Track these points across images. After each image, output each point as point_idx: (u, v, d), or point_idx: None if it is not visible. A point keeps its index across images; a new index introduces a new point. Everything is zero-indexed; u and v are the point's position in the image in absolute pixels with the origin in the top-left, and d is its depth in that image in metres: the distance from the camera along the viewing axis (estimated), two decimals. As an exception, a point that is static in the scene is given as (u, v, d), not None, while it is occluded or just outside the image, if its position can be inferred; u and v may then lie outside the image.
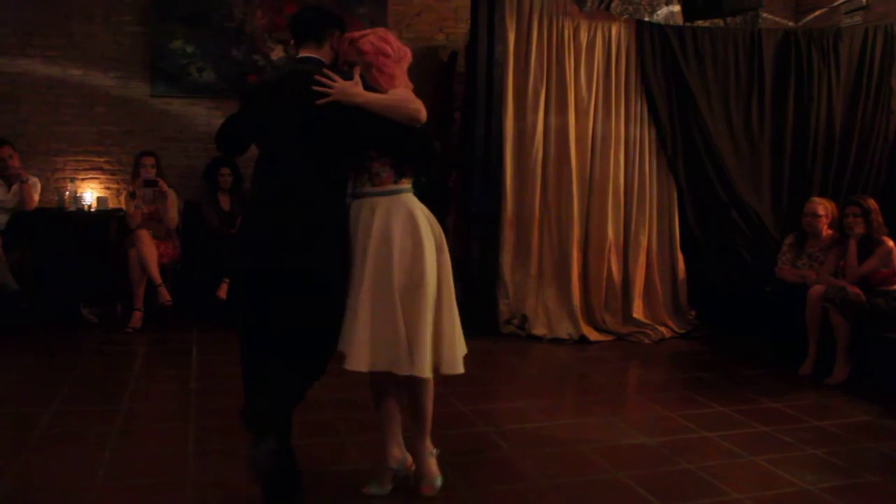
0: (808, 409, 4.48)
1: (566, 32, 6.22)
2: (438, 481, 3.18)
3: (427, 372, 2.93)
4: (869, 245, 5.24)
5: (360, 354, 2.88)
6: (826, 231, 5.63)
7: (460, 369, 3.04)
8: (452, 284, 3.09)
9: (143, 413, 4.15)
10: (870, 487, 3.40)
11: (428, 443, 3.19)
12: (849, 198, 5.70)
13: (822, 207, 5.66)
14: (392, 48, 3.06)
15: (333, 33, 3.07)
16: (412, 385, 3.07)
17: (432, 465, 3.19)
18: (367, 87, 2.89)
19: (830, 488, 3.33)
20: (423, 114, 2.92)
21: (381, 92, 2.94)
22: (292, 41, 3.16)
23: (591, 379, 5.27)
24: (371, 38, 3.04)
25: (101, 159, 6.95)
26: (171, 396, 4.52)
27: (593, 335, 6.13)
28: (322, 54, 3.04)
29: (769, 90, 6.49)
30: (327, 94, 2.83)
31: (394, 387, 3.12)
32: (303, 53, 3.05)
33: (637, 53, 6.35)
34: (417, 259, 2.95)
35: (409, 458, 3.19)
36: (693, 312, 6.46)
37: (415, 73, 7.77)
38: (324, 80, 2.84)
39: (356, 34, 3.08)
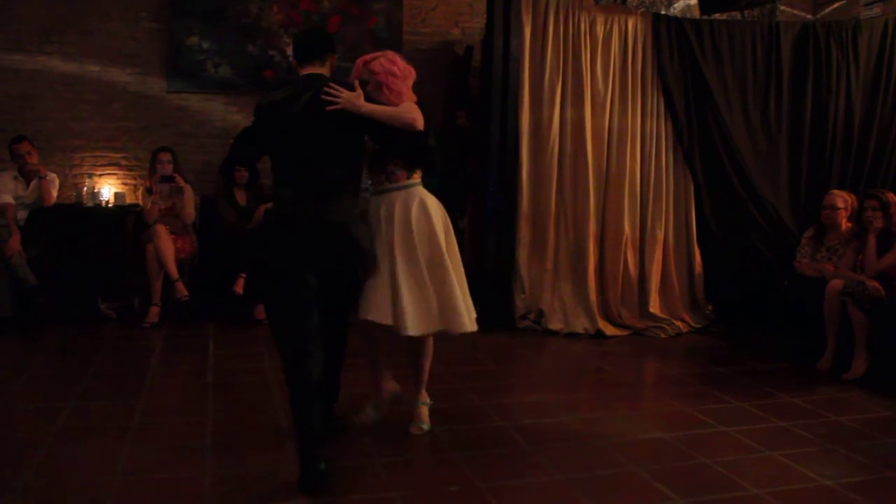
0: (826, 404, 4.45)
1: (582, 26, 6.20)
2: (426, 426, 3.80)
3: (469, 326, 3.58)
4: (888, 239, 5.20)
5: (408, 321, 3.44)
6: (845, 224, 5.59)
7: (475, 327, 3.63)
8: (460, 261, 3.68)
9: (160, 407, 4.16)
10: (890, 483, 3.37)
11: (423, 394, 3.84)
12: (867, 191, 5.65)
13: (842, 200, 5.61)
14: (399, 68, 3.53)
15: (333, 55, 3.52)
16: (415, 346, 3.71)
17: (424, 412, 3.84)
18: (370, 100, 3.33)
19: (850, 484, 3.31)
20: (420, 122, 3.34)
21: (392, 105, 3.39)
22: (293, 59, 3.55)
23: (608, 374, 5.26)
24: (381, 61, 3.54)
25: (119, 155, 6.99)
26: (188, 391, 4.55)
27: (609, 330, 6.11)
28: (325, 71, 3.46)
29: (787, 83, 6.44)
30: (335, 103, 3.26)
31: (382, 335, 3.68)
32: (309, 70, 3.43)
33: (654, 47, 6.32)
34: (432, 236, 3.56)
35: (397, 386, 3.85)
36: (710, 307, 6.44)
37: (430, 68, 7.83)
38: (332, 91, 3.26)
39: (368, 57, 3.59)
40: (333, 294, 3.41)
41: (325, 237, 3.30)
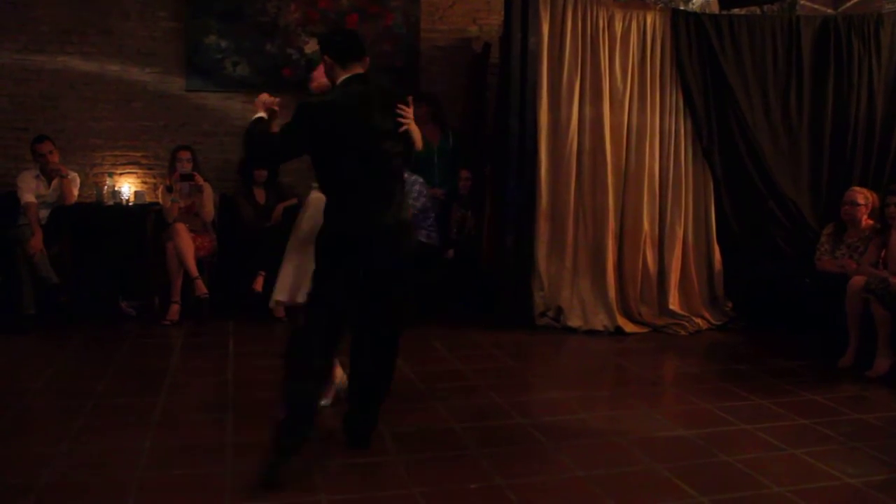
0: (848, 401, 4.42)
1: (600, 22, 6.17)
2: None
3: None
4: (911, 235, 5.15)
5: None
6: (866, 221, 5.54)
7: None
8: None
9: (181, 404, 4.19)
10: (914, 481, 3.34)
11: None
12: (890, 187, 5.60)
13: (862, 196, 5.56)
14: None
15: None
16: None
17: None
18: None
19: (874, 482, 3.28)
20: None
21: None
22: (330, 57, 3.45)
23: (627, 371, 5.24)
24: None
25: (138, 154, 7.04)
26: (208, 388, 4.57)
27: (629, 327, 6.09)
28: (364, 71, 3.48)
29: (808, 78, 6.37)
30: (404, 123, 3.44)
31: None
32: (357, 70, 3.43)
33: (672, 43, 6.28)
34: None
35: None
36: (730, 304, 6.39)
37: (448, 65, 7.80)
38: (404, 111, 3.42)
39: None
40: (383, 298, 3.46)
41: (397, 238, 3.41)
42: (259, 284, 6.10)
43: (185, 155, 6.36)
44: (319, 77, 3.67)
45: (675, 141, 6.34)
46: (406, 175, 6.32)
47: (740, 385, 4.69)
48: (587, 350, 5.69)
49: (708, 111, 6.31)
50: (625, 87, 6.22)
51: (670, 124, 6.32)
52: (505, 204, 6.22)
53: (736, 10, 6.73)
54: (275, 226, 6.36)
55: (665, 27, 6.29)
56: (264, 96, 3.52)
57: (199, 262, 6.20)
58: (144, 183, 7.01)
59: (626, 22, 6.23)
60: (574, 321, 6.09)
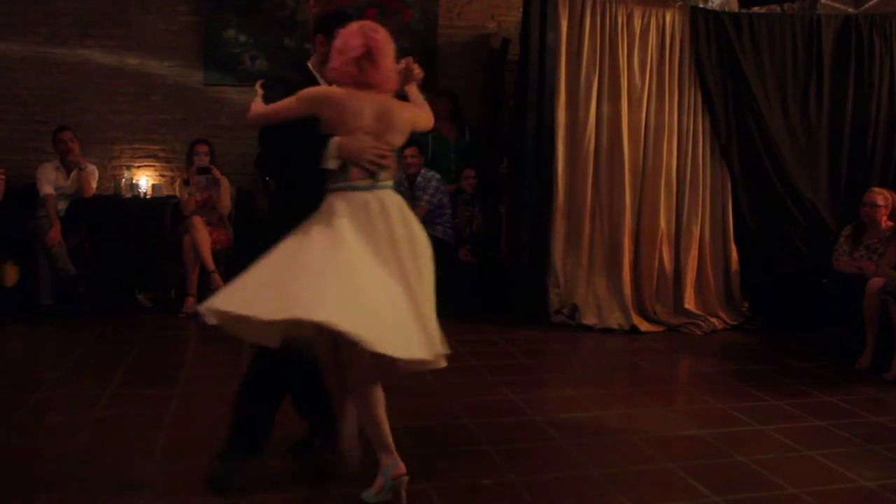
0: (865, 403, 4.39)
1: (619, 19, 6.15)
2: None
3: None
4: (931, 237, 5.11)
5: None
6: (886, 222, 5.49)
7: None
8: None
9: (196, 396, 4.21)
10: (931, 485, 3.32)
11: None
12: (910, 188, 5.56)
13: (882, 197, 5.52)
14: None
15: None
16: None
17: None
18: None
19: (890, 485, 3.26)
20: None
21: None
22: (325, 36, 3.30)
23: (642, 369, 5.23)
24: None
25: (156, 147, 7.08)
26: (223, 380, 4.54)
27: (644, 325, 6.07)
28: None
29: (828, 78, 6.33)
30: None
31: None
32: None
33: (691, 41, 6.25)
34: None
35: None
36: (746, 304, 6.36)
37: (466, 61, 7.77)
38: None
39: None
40: None
41: None
42: (275, 278, 6.12)
43: (203, 148, 6.38)
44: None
45: (693, 139, 6.31)
46: (423, 171, 6.39)
47: (756, 385, 4.67)
48: (602, 348, 5.68)
49: (726, 110, 6.28)
50: (643, 85, 6.20)
51: (688, 123, 6.29)
52: (521, 201, 6.21)
53: (756, 9, 6.69)
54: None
55: (684, 25, 6.26)
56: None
57: (216, 256, 6.22)
58: (162, 176, 7.05)
59: (645, 19, 6.20)
60: (589, 319, 6.08)
